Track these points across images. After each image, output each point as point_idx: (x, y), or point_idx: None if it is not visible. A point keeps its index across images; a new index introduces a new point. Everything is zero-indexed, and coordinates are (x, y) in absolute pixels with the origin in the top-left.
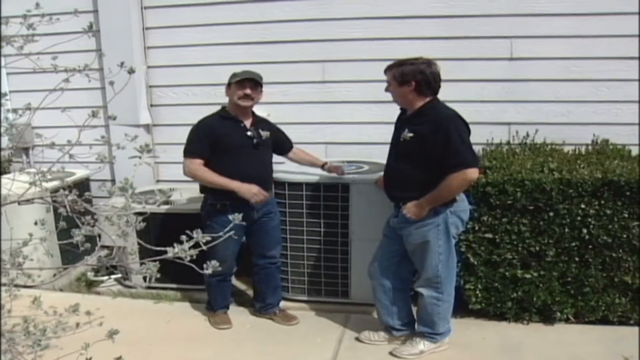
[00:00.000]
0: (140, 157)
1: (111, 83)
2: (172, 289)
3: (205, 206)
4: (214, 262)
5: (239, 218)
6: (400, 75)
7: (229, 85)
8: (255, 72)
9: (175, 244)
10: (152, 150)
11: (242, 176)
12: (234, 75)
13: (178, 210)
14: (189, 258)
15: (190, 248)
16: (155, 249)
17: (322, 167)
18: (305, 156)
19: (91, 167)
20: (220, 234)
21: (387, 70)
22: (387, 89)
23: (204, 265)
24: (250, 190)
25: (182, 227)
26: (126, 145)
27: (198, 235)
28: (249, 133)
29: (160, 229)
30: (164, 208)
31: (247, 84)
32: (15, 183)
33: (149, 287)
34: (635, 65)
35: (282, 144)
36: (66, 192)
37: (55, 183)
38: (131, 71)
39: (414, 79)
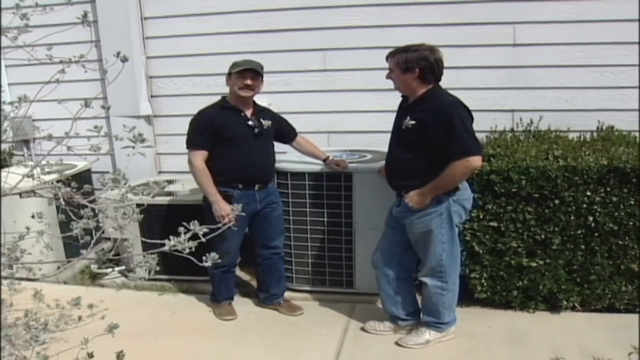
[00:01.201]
0: (133, 147)
1: (104, 72)
2: (176, 280)
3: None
4: (214, 254)
5: (238, 209)
6: (404, 61)
7: (229, 74)
8: (256, 61)
9: (172, 236)
10: (152, 141)
11: (244, 166)
12: (235, 64)
13: (182, 202)
14: (187, 250)
15: (190, 240)
16: (152, 242)
17: (325, 161)
18: (309, 147)
19: (91, 159)
20: (220, 225)
21: (390, 56)
22: (388, 76)
23: (204, 258)
24: (220, 209)
25: (187, 218)
26: (125, 136)
27: (195, 226)
28: (249, 123)
29: (165, 220)
30: (167, 199)
31: (248, 74)
32: (15, 176)
33: (153, 279)
34: None
35: (285, 133)
36: (59, 185)
37: (55, 176)
38: (124, 59)
39: (417, 65)
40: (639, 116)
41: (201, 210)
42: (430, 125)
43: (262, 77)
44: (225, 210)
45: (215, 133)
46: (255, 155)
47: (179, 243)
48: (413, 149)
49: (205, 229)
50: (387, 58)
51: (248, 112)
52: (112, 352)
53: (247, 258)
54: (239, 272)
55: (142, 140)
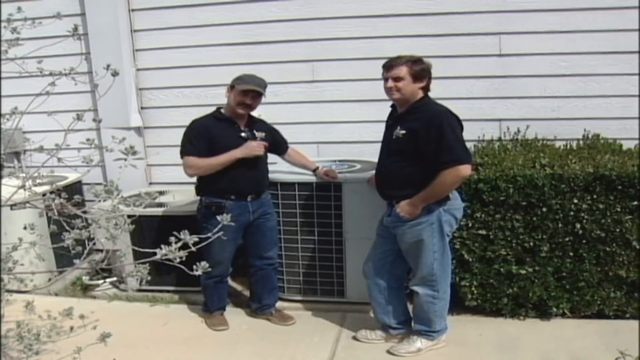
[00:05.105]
0: (125, 159)
1: (95, 86)
2: (168, 291)
3: (201, 208)
4: (204, 263)
5: (227, 219)
6: (419, 71)
7: (231, 87)
8: (261, 78)
9: (162, 246)
10: (143, 152)
11: (236, 177)
12: (240, 79)
13: (174, 213)
14: (178, 260)
15: (180, 249)
16: (144, 251)
17: (314, 171)
18: (299, 158)
19: (82, 170)
20: (210, 234)
21: (397, 64)
22: (391, 85)
23: (194, 267)
24: (249, 147)
25: (180, 229)
26: (116, 147)
27: (186, 236)
28: (243, 134)
29: (157, 231)
30: (160, 210)
31: (251, 93)
32: (7, 188)
33: (145, 290)
34: (624, 59)
35: (278, 145)
36: (53, 196)
37: (47, 187)
38: (115, 74)
39: (428, 75)
40: (639, 125)
41: (194, 221)
42: (421, 135)
43: (263, 95)
44: (250, 145)
45: (210, 143)
46: (248, 167)
47: (170, 252)
48: (404, 158)
49: (195, 239)
50: (390, 66)
51: (242, 123)
52: None
53: (239, 268)
54: (231, 282)
55: (134, 153)
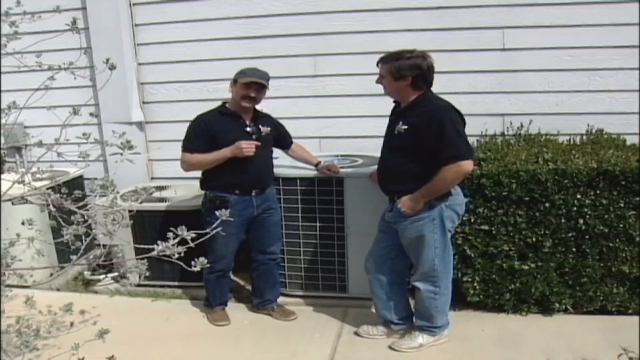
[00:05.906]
0: (121, 154)
1: (92, 80)
2: (170, 286)
3: (206, 202)
4: (202, 259)
5: (226, 214)
6: (396, 69)
7: (234, 81)
8: (264, 71)
9: (159, 242)
10: (145, 147)
11: (241, 172)
12: (242, 73)
13: (176, 208)
14: (176, 255)
15: (180, 245)
16: (140, 247)
17: (316, 166)
18: (301, 153)
19: (82, 165)
20: (208, 230)
21: (381, 62)
22: (379, 81)
23: (192, 262)
24: (238, 148)
25: (180, 224)
26: (116, 142)
27: (183, 232)
28: (248, 129)
29: (159, 226)
30: (162, 206)
31: (254, 86)
32: (6, 183)
33: (146, 285)
34: (628, 54)
35: (283, 140)
36: (49, 192)
37: (47, 182)
38: (112, 67)
39: (410, 74)
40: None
41: (196, 216)
42: (423, 130)
43: (266, 88)
44: (240, 146)
45: (213, 138)
46: (253, 162)
47: (167, 248)
48: (406, 153)
49: (192, 234)
50: (378, 63)
51: (247, 118)
52: (105, 358)
53: (241, 263)
54: (233, 277)
55: (130, 147)
